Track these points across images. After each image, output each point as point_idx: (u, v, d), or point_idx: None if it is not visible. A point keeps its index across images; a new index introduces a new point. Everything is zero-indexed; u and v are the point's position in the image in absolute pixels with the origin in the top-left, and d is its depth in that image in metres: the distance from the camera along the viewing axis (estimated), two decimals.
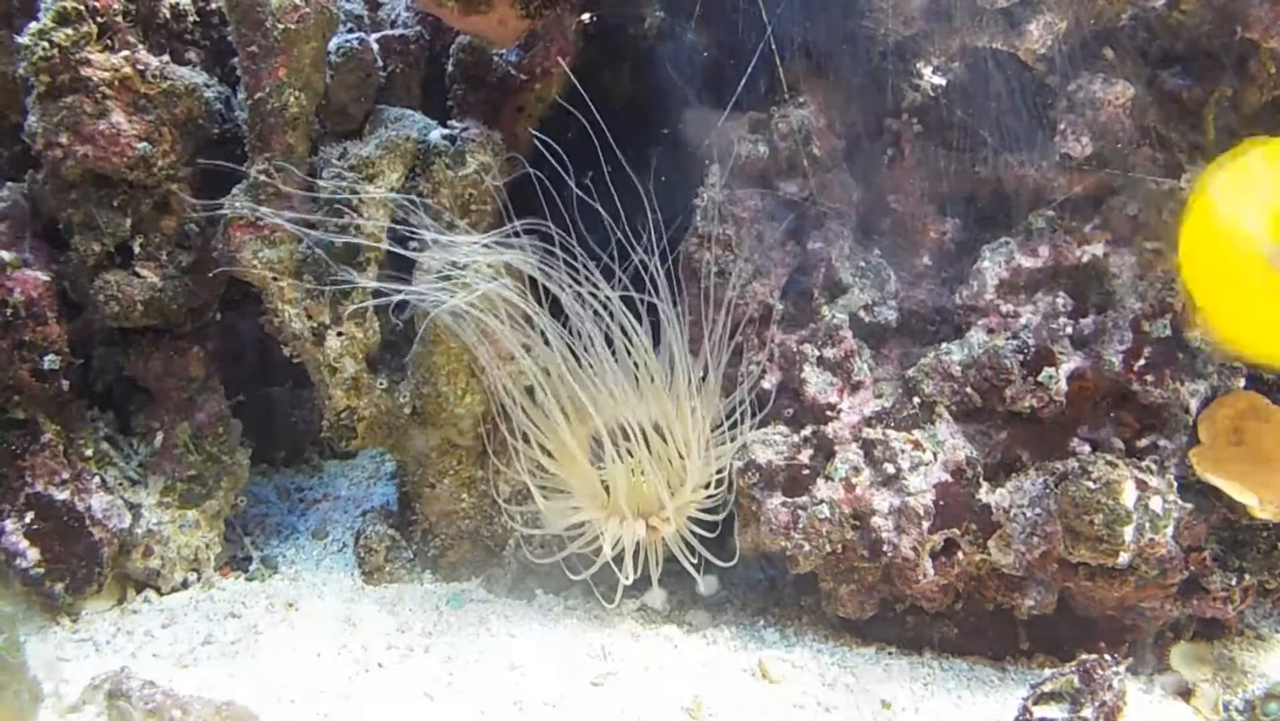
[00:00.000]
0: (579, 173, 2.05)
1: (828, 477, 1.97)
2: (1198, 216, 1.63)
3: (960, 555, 1.92)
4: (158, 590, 2.25)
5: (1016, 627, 2.02)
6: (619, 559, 2.05)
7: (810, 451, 2.03)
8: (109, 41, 2.08)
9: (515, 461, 2.16)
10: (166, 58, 2.17)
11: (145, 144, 2.10)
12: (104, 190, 2.13)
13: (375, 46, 2.25)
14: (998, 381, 1.96)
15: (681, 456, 2.09)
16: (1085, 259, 1.98)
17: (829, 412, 2.04)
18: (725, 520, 2.10)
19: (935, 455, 1.95)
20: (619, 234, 2.06)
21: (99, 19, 2.06)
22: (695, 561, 2.11)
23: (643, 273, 2.09)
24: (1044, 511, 1.89)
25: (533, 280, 2.12)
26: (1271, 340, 1.62)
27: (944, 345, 2.02)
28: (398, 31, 2.37)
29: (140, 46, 2.13)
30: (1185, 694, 1.93)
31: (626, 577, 2.05)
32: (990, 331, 1.99)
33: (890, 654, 2.05)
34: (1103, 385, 1.95)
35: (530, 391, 2.17)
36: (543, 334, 2.10)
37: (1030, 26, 1.91)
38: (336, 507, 2.73)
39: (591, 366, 2.12)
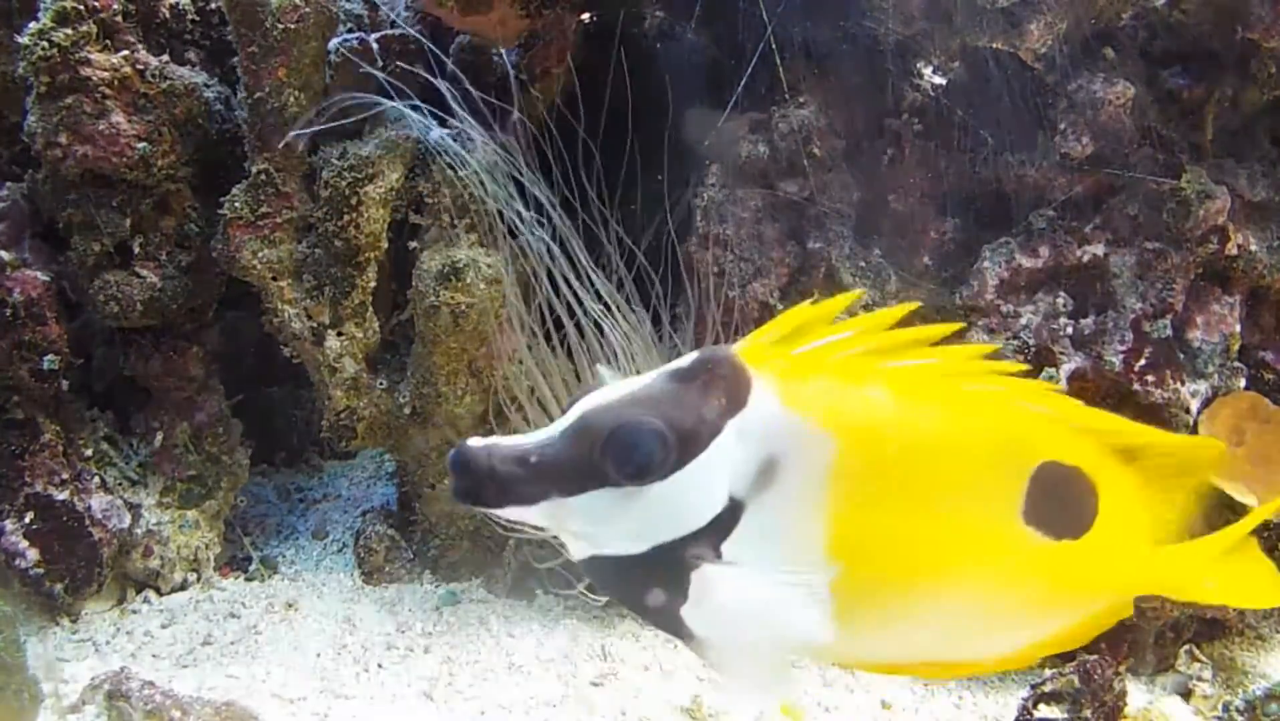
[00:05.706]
0: (579, 173, 2.05)
1: None
2: None
3: None
4: (157, 590, 2.25)
5: None
6: None
7: None
8: (109, 41, 2.07)
9: None
10: (166, 57, 2.16)
11: (145, 144, 2.09)
12: (104, 190, 2.13)
13: (375, 46, 2.25)
14: None
15: None
16: (1085, 259, 1.97)
17: None
18: None
19: None
20: (619, 233, 2.06)
21: (99, 18, 2.06)
22: None
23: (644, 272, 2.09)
24: None
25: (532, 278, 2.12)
26: None
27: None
28: (398, 31, 2.36)
29: (140, 46, 2.12)
30: (1185, 694, 1.93)
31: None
32: (991, 331, 1.99)
33: None
34: (1103, 385, 1.94)
35: (530, 391, 2.16)
36: (541, 331, 2.10)
37: (1031, 26, 1.91)
38: (336, 508, 2.73)
39: (591, 367, 2.12)
